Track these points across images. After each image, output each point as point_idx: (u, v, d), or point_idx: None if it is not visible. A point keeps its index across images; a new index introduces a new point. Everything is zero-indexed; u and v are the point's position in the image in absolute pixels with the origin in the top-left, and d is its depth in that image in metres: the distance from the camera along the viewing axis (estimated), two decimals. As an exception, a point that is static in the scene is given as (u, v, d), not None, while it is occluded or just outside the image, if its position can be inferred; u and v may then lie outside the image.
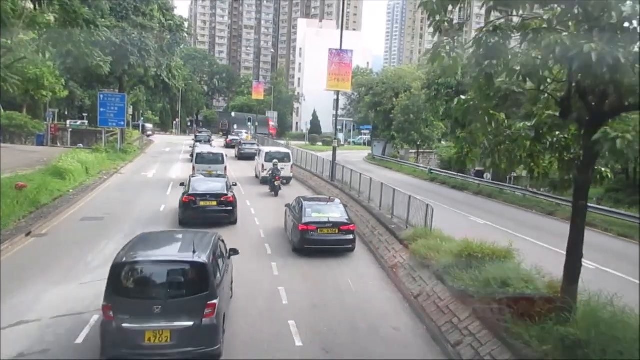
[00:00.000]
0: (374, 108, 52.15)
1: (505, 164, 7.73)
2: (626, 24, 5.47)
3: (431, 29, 6.64)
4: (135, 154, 38.14)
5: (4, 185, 15.86)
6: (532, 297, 7.70)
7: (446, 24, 6.42)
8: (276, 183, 23.04)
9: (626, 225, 18.31)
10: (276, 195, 22.76)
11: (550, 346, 6.57)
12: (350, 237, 13.80)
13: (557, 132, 7.50)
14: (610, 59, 5.03)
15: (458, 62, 6.40)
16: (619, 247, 16.12)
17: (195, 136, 49.04)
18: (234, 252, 9.93)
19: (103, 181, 24.85)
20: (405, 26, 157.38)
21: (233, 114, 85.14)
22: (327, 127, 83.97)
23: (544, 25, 6.22)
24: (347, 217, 14.15)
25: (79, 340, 8.03)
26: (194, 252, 7.64)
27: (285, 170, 25.76)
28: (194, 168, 24.03)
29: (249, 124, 71.91)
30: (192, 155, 29.29)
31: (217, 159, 25.22)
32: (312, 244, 13.43)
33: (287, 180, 26.15)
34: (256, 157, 31.19)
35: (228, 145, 47.45)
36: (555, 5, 6.35)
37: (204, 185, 17.12)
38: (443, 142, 46.32)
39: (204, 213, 15.96)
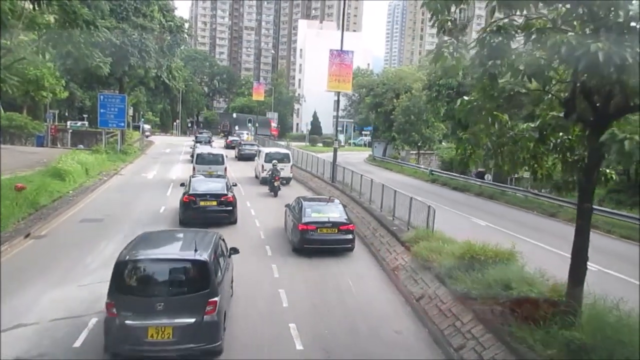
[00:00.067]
0: (374, 109, 52.07)
1: (509, 166, 7.68)
2: (633, 24, 5.40)
3: (432, 30, 6.62)
4: (135, 155, 38.10)
5: (4, 187, 15.77)
6: (536, 300, 7.59)
7: (449, 23, 6.35)
8: (275, 183, 23.09)
9: (628, 227, 18.18)
10: (275, 195, 22.79)
11: (555, 350, 6.47)
12: (350, 236, 13.85)
13: (561, 134, 7.42)
14: (618, 59, 4.95)
15: (461, 62, 6.34)
16: (622, 249, 16.02)
17: (196, 137, 49.05)
18: (234, 251, 10.07)
19: (103, 182, 24.78)
20: (406, 27, 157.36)
21: (234, 115, 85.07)
22: (327, 128, 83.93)
23: (549, 25, 6.14)
24: (346, 217, 14.20)
25: (77, 344, 7.94)
26: (196, 250, 7.78)
27: (285, 170, 25.82)
28: (194, 169, 24.07)
29: (250, 124, 71.88)
30: (192, 156, 29.29)
31: (217, 160, 25.32)
32: (311, 243, 13.48)
33: (286, 181, 26.19)
34: (256, 158, 31.22)
35: (228, 146, 47.52)
36: (560, 5, 6.28)
37: (204, 185, 17.21)
38: (444, 143, 46.24)
39: (204, 213, 16.02)
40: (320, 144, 65.72)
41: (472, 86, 7.77)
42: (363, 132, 75.42)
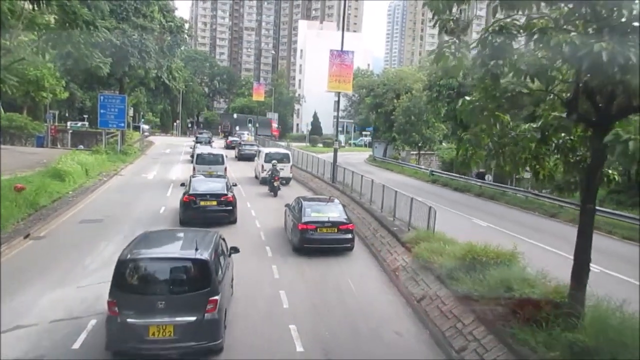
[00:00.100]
0: (374, 109, 52.04)
1: (510, 166, 7.63)
2: (636, 23, 5.35)
3: (432, 31, 6.64)
4: (135, 156, 38.04)
5: (3, 187, 15.72)
6: (538, 301, 7.54)
7: (451, 23, 6.31)
8: (275, 183, 23.10)
9: (630, 228, 18.12)
10: (275, 195, 22.80)
11: (558, 352, 6.43)
12: (349, 236, 13.88)
13: (563, 134, 7.37)
14: (622, 59, 4.91)
15: (463, 62, 6.30)
16: (624, 250, 15.96)
17: (196, 137, 49.07)
18: (235, 250, 10.13)
19: (103, 183, 24.72)
20: (406, 27, 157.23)
21: (235, 115, 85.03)
22: (327, 128, 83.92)
23: (551, 25, 6.10)
24: (345, 217, 14.23)
25: (76, 345, 7.89)
26: (196, 249, 7.83)
27: (285, 170, 25.84)
28: (194, 169, 24.08)
29: (250, 125, 71.85)
30: (192, 157, 29.28)
31: (217, 160, 25.35)
32: (311, 243, 13.50)
33: (286, 181, 26.19)
34: (256, 158, 31.20)
35: (228, 147, 47.55)
36: (562, 5, 6.24)
37: (204, 185, 17.24)
38: (444, 144, 46.18)
39: (204, 213, 16.05)
40: (321, 145, 65.68)
41: (473, 86, 7.74)
42: (363, 133, 75.39)
